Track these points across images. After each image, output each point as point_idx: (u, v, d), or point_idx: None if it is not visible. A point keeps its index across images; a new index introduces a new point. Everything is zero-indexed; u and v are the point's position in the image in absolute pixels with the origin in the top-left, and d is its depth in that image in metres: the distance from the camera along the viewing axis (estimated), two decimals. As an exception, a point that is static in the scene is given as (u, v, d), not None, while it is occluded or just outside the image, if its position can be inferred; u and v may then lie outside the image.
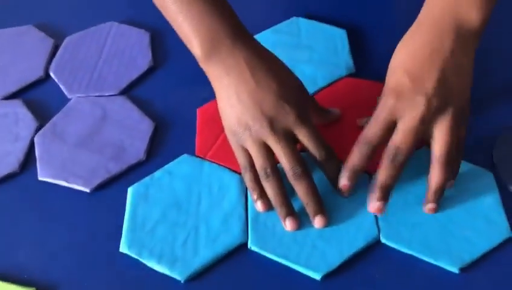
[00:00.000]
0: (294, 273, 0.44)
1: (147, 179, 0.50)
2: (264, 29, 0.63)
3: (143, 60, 0.61)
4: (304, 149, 0.47)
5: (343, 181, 0.46)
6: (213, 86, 0.48)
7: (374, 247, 0.45)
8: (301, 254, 0.44)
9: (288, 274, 0.44)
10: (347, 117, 0.54)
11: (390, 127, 0.44)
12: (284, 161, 0.45)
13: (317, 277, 0.43)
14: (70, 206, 0.50)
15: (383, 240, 0.45)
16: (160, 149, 0.53)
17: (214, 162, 0.51)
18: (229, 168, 0.50)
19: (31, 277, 0.45)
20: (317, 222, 0.45)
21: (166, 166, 0.51)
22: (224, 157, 0.51)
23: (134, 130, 0.54)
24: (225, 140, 0.53)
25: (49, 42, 0.64)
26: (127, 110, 0.56)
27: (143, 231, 0.47)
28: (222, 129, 0.53)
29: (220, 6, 0.47)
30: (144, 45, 0.63)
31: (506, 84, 0.56)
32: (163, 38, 0.64)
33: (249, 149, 0.46)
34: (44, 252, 0.47)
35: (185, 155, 0.52)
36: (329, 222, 0.45)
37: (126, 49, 0.62)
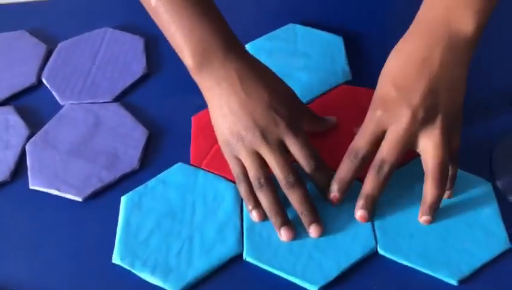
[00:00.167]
0: (291, 285, 0.43)
1: (140, 188, 0.49)
2: (260, 36, 0.63)
3: (137, 67, 0.60)
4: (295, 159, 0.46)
5: (334, 193, 0.45)
6: (205, 97, 0.48)
7: (372, 258, 0.44)
8: (297, 265, 0.43)
9: (284, 286, 0.43)
10: (344, 125, 0.53)
11: (378, 139, 0.44)
12: (277, 171, 0.45)
13: (313, 288, 0.42)
14: (62, 216, 0.49)
15: (381, 251, 0.44)
16: (154, 157, 0.53)
17: (208, 171, 0.50)
18: (224, 177, 0.50)
19: (21, 288, 0.44)
20: (313, 231, 0.45)
21: (160, 175, 0.50)
22: (219, 166, 0.51)
23: (127, 137, 0.53)
24: (220, 149, 0.52)
25: (42, 48, 0.63)
26: (121, 117, 0.55)
27: (136, 241, 0.46)
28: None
29: (212, 17, 0.47)
30: (138, 51, 0.62)
31: (504, 93, 0.56)
32: (157, 44, 0.63)
33: (242, 159, 0.46)
34: (35, 262, 0.46)
35: (179, 164, 0.51)
36: (324, 231, 0.45)
37: (120, 55, 0.61)
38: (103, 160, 0.52)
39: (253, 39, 0.62)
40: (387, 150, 0.43)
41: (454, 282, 0.42)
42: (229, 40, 0.47)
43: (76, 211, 0.49)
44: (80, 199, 0.49)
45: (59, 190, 0.50)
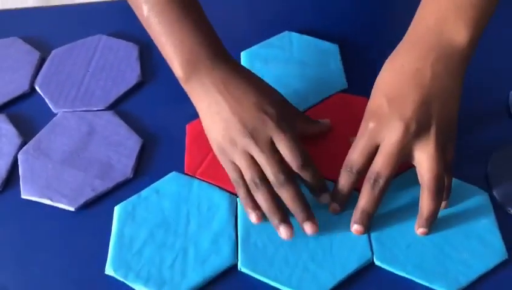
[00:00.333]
0: (286, 296, 0.43)
1: (134, 197, 0.49)
2: (256, 43, 0.62)
3: (131, 74, 0.60)
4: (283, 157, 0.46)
5: (333, 205, 0.46)
6: (196, 107, 0.49)
7: (368, 269, 0.44)
8: (293, 276, 0.43)
9: (279, 298, 0.43)
10: (339, 133, 0.53)
11: (372, 152, 0.44)
12: (267, 170, 0.45)
13: (309, 300, 0.42)
14: (54, 226, 0.48)
15: (377, 262, 0.44)
16: (148, 166, 0.52)
17: (203, 181, 0.50)
18: (219, 187, 0.49)
19: (12, 300, 0.43)
20: (307, 228, 0.44)
21: (154, 184, 0.50)
22: (214, 175, 0.50)
23: (121, 146, 0.53)
24: (215, 157, 0.51)
25: (35, 55, 0.62)
26: (115, 125, 0.55)
27: (130, 252, 0.45)
28: (211, 146, 0.52)
29: (202, 28, 0.48)
30: (132, 58, 0.61)
31: (500, 102, 0.55)
32: (152, 52, 0.63)
33: (237, 163, 0.46)
34: (26, 273, 0.45)
35: (174, 173, 0.51)
36: (320, 242, 0.45)
37: (114, 63, 0.61)
38: (96, 169, 0.51)
39: (248, 47, 0.62)
40: (381, 164, 0.43)
41: (451, 293, 0.42)
42: (217, 50, 0.48)
43: (68, 221, 0.48)
44: (72, 209, 0.49)
45: (51, 200, 0.49)
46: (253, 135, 0.45)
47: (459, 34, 0.44)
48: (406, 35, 0.46)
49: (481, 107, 0.55)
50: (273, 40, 0.63)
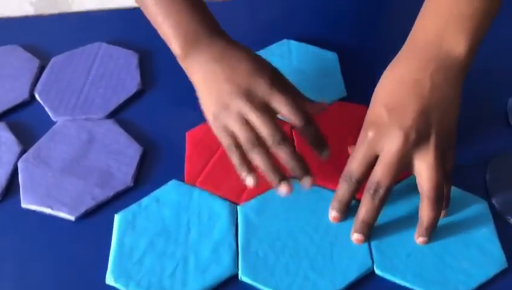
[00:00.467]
0: (287, 306, 0.43)
1: (134, 206, 0.49)
2: (254, 51, 0.62)
3: (131, 82, 0.60)
4: (281, 116, 0.47)
5: (333, 213, 0.46)
6: (192, 81, 0.50)
7: (368, 278, 0.44)
8: (293, 285, 0.43)
9: (280, 307, 0.43)
10: (338, 142, 0.53)
11: (372, 161, 0.44)
12: (263, 130, 0.45)
13: (310, 309, 0.42)
14: (54, 235, 0.48)
15: (377, 271, 0.44)
16: (149, 174, 0.52)
17: (203, 189, 0.50)
18: (219, 196, 0.49)
19: (12, 310, 0.43)
20: (305, 183, 0.45)
21: (154, 193, 0.50)
22: (214, 183, 0.50)
23: (121, 154, 0.53)
24: (215, 166, 0.52)
25: (35, 63, 0.62)
26: (115, 134, 0.55)
27: (130, 261, 0.45)
28: (212, 154, 0.53)
29: (198, 7, 0.50)
30: (132, 66, 0.61)
31: (499, 111, 0.56)
32: (152, 60, 0.63)
33: (231, 127, 0.46)
34: (27, 282, 0.45)
35: (174, 181, 0.51)
36: (320, 251, 0.45)
37: (114, 71, 0.61)
38: (96, 177, 0.51)
39: (247, 55, 0.62)
40: (381, 173, 0.43)
41: (451, 302, 0.42)
42: (214, 28, 0.50)
43: (68, 229, 0.48)
44: (72, 218, 0.48)
45: (51, 209, 0.49)
46: (247, 96, 0.45)
47: (458, 45, 0.44)
48: (405, 45, 0.47)
49: (479, 115, 0.55)
50: (272, 48, 0.63)
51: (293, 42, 0.64)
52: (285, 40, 0.64)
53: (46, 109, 0.58)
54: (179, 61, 0.51)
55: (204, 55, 0.48)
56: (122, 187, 0.50)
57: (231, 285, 0.44)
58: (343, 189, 0.45)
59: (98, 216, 0.49)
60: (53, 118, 0.57)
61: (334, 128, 0.54)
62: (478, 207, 0.47)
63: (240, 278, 0.44)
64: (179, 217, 0.48)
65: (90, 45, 0.64)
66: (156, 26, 0.51)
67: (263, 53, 0.62)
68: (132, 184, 0.51)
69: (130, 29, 0.68)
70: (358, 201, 0.46)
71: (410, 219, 0.46)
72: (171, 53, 0.63)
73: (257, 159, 0.45)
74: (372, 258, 0.44)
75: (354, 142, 0.51)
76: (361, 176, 0.44)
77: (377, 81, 0.47)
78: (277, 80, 0.48)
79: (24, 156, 0.53)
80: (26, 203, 0.50)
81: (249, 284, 0.44)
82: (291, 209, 0.48)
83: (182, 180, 0.51)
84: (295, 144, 0.52)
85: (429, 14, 0.46)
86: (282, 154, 0.45)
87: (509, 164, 0.50)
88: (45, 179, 0.51)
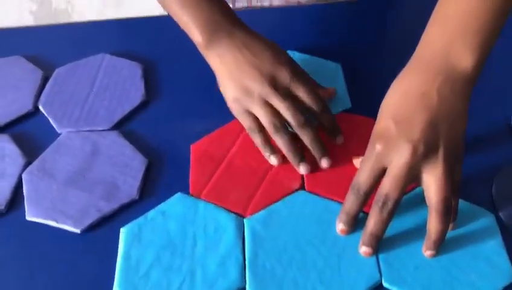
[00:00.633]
0: (295, 320, 0.42)
1: (140, 219, 0.49)
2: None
3: (135, 94, 0.60)
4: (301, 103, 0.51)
5: (340, 226, 0.46)
6: (213, 68, 0.53)
7: (376, 291, 0.44)
8: (301, 298, 0.43)
9: (288, 321, 0.42)
10: (343, 153, 0.53)
11: (380, 174, 0.44)
12: (288, 114, 0.50)
13: (318, 323, 0.42)
14: (59, 248, 0.47)
15: (385, 284, 0.44)
16: (154, 187, 0.52)
17: (209, 202, 0.50)
18: (224, 208, 0.49)
19: (17, 325, 0.43)
20: (324, 162, 0.50)
21: (159, 206, 0.49)
22: (219, 196, 0.50)
23: (126, 167, 0.53)
24: (220, 178, 0.51)
25: (38, 74, 0.62)
26: (119, 146, 0.54)
27: (137, 274, 0.45)
28: (216, 167, 0.52)
29: (218, 1, 0.53)
30: (136, 77, 0.61)
31: (503, 123, 0.56)
32: (156, 71, 0.63)
33: (254, 111, 0.50)
34: (31, 296, 0.45)
35: (179, 194, 0.50)
36: (329, 264, 0.45)
37: (118, 82, 0.61)
38: (101, 190, 0.51)
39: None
40: (389, 186, 0.43)
41: (460, 316, 0.42)
42: (234, 18, 0.54)
43: (74, 243, 0.48)
44: (78, 231, 0.48)
45: (56, 221, 0.49)
46: (271, 83, 0.50)
47: (465, 59, 0.44)
48: (412, 57, 0.47)
49: (485, 128, 0.55)
50: (276, 59, 0.63)
51: (296, 53, 0.64)
52: (288, 52, 0.64)
53: (50, 120, 0.57)
54: (200, 50, 0.53)
55: (226, 43, 0.52)
56: (128, 200, 0.50)
57: (239, 299, 0.44)
58: (350, 201, 0.45)
59: (103, 229, 0.49)
60: (57, 130, 0.56)
61: (339, 139, 0.54)
62: (485, 220, 0.47)
63: (247, 292, 0.44)
64: (185, 230, 0.48)
65: (94, 56, 0.64)
66: (175, 17, 0.53)
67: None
68: (137, 197, 0.51)
69: (133, 40, 0.68)
70: (366, 213, 0.46)
71: (418, 231, 0.46)
72: (175, 64, 0.64)
73: (280, 140, 0.50)
74: (380, 271, 0.44)
75: (359, 153, 0.51)
76: (369, 188, 0.44)
77: (381, 92, 0.47)
78: (298, 69, 0.53)
79: (29, 168, 0.53)
80: (31, 216, 0.49)
81: (256, 297, 0.44)
82: (298, 222, 0.48)
83: (187, 192, 0.51)
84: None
85: (436, 28, 0.46)
86: (305, 136, 0.50)
87: (515, 176, 0.50)
88: (50, 191, 0.51)
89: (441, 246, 0.44)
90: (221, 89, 0.53)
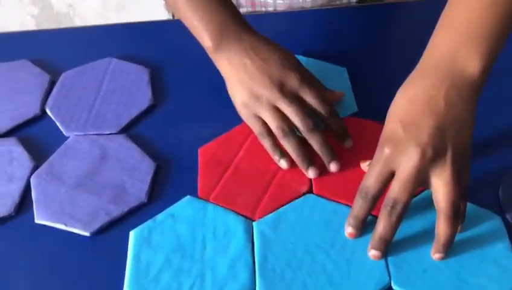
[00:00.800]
0: (305, 322, 0.42)
1: (149, 222, 0.49)
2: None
3: (143, 98, 0.60)
4: (309, 107, 0.52)
5: (349, 230, 0.46)
6: (222, 72, 0.54)
7: (385, 294, 0.44)
8: (311, 301, 0.43)
9: (298, 324, 0.42)
10: (350, 157, 0.53)
11: (388, 177, 0.44)
12: (297, 119, 0.50)
13: (328, 326, 0.42)
14: (69, 251, 0.48)
15: (395, 287, 0.44)
16: (162, 190, 0.52)
17: (218, 205, 0.50)
18: (233, 211, 0.49)
19: (27, 328, 0.43)
20: (333, 167, 0.51)
21: (169, 209, 0.50)
22: (227, 199, 0.50)
23: (135, 170, 0.53)
24: (228, 181, 0.52)
25: (45, 78, 0.62)
26: (127, 149, 0.55)
27: (147, 277, 0.45)
28: (225, 170, 0.53)
29: (227, 6, 0.54)
30: (143, 81, 0.62)
31: (509, 126, 0.56)
32: (163, 75, 0.63)
33: (262, 116, 0.51)
34: (40, 300, 0.45)
35: (188, 197, 0.51)
36: (338, 267, 0.45)
37: (125, 86, 0.61)
38: (110, 193, 0.51)
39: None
40: (398, 190, 0.43)
41: (469, 318, 0.42)
42: (243, 22, 0.54)
43: (83, 246, 0.48)
44: (87, 234, 0.48)
45: (65, 225, 0.49)
46: (280, 89, 0.51)
47: (473, 64, 0.44)
48: (419, 62, 0.47)
49: (491, 131, 0.55)
50: (282, 63, 0.64)
51: (302, 58, 0.64)
52: (294, 56, 0.64)
53: (58, 124, 0.58)
54: (209, 54, 0.54)
55: (235, 47, 0.52)
56: (136, 203, 0.50)
57: (248, 302, 0.44)
58: (359, 205, 0.45)
59: (112, 232, 0.49)
60: (65, 133, 0.57)
61: (346, 143, 0.55)
62: (493, 223, 0.47)
63: (257, 295, 0.44)
64: (195, 233, 0.48)
65: (101, 60, 0.64)
66: (185, 21, 0.54)
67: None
68: (146, 200, 0.51)
69: (139, 44, 0.68)
70: (374, 216, 0.46)
71: (427, 234, 0.46)
72: (182, 68, 0.64)
73: (288, 145, 0.50)
74: (389, 274, 0.44)
75: (366, 157, 0.52)
76: (378, 192, 0.45)
77: (387, 96, 0.47)
78: (306, 74, 0.54)
79: (37, 171, 0.53)
80: (40, 220, 0.49)
81: (266, 300, 0.44)
82: (307, 225, 0.48)
83: (195, 196, 0.51)
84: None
85: (444, 33, 0.47)
86: (314, 140, 0.50)
87: (521, 179, 0.50)
88: (58, 195, 0.51)
89: (449, 249, 0.44)
90: (230, 93, 0.54)
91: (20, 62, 0.65)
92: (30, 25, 1.63)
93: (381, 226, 0.44)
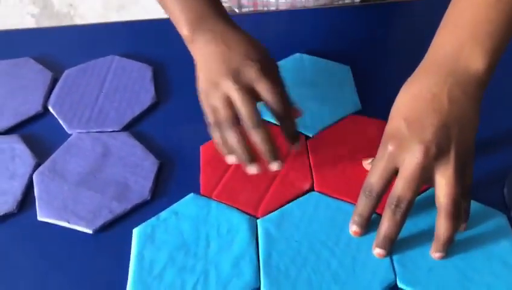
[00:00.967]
0: (310, 320, 0.42)
1: (152, 219, 0.48)
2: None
3: (146, 95, 0.60)
4: (265, 103, 0.48)
5: (354, 228, 0.46)
6: (195, 61, 0.52)
7: (391, 292, 0.44)
8: (316, 299, 0.43)
9: (303, 321, 0.42)
10: (353, 155, 0.53)
11: (392, 174, 0.44)
12: (242, 111, 0.46)
13: (333, 324, 0.42)
14: (72, 249, 0.47)
15: (400, 285, 0.44)
16: (165, 187, 0.52)
17: (221, 202, 0.50)
18: (236, 208, 0.49)
19: (30, 325, 0.43)
20: (274, 166, 0.47)
21: (172, 206, 0.49)
22: (230, 196, 0.50)
23: (138, 167, 0.52)
24: (231, 179, 0.51)
25: (48, 75, 0.62)
26: (130, 146, 0.54)
27: (150, 275, 0.45)
28: (227, 167, 0.52)
29: None
30: (146, 79, 0.61)
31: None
32: (166, 73, 0.63)
33: (215, 104, 0.48)
34: (43, 297, 0.44)
35: (192, 194, 0.50)
36: (343, 264, 0.44)
37: (128, 84, 0.61)
38: (113, 191, 0.51)
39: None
40: (402, 188, 0.43)
41: (475, 316, 0.42)
42: (220, 12, 0.53)
43: (86, 244, 0.48)
44: (90, 231, 0.48)
45: (68, 222, 0.48)
46: (235, 78, 0.47)
47: (477, 62, 0.44)
48: (423, 60, 0.47)
49: (496, 129, 0.55)
50: (285, 62, 0.63)
51: (305, 56, 0.64)
52: (297, 54, 0.64)
53: (60, 121, 0.57)
54: (187, 44, 0.53)
55: (207, 36, 0.51)
56: (139, 200, 0.50)
57: (253, 299, 0.44)
58: (363, 203, 0.45)
59: (115, 229, 0.49)
60: (67, 131, 0.56)
61: (350, 141, 0.54)
62: (497, 221, 0.47)
63: (261, 293, 0.44)
64: (198, 231, 0.47)
65: (103, 58, 0.64)
66: (167, 11, 0.54)
67: (276, 67, 0.63)
68: (149, 197, 0.50)
69: (142, 42, 0.68)
70: (378, 214, 0.46)
71: (432, 232, 0.45)
72: (185, 65, 0.63)
73: (231, 137, 0.47)
74: (394, 272, 0.44)
75: (369, 155, 0.51)
76: (381, 189, 0.44)
77: (391, 94, 0.47)
78: (268, 68, 0.50)
79: (39, 169, 0.53)
80: (43, 217, 0.49)
81: (270, 298, 0.43)
82: (311, 223, 0.48)
83: (199, 193, 0.51)
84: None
85: (448, 30, 0.47)
86: (257, 138, 0.47)
87: (526, 178, 0.50)
88: (61, 192, 0.51)
89: (454, 247, 0.44)
90: (198, 82, 0.51)
91: (22, 60, 0.64)
92: (30, 25, 1.63)
93: (385, 225, 0.44)
